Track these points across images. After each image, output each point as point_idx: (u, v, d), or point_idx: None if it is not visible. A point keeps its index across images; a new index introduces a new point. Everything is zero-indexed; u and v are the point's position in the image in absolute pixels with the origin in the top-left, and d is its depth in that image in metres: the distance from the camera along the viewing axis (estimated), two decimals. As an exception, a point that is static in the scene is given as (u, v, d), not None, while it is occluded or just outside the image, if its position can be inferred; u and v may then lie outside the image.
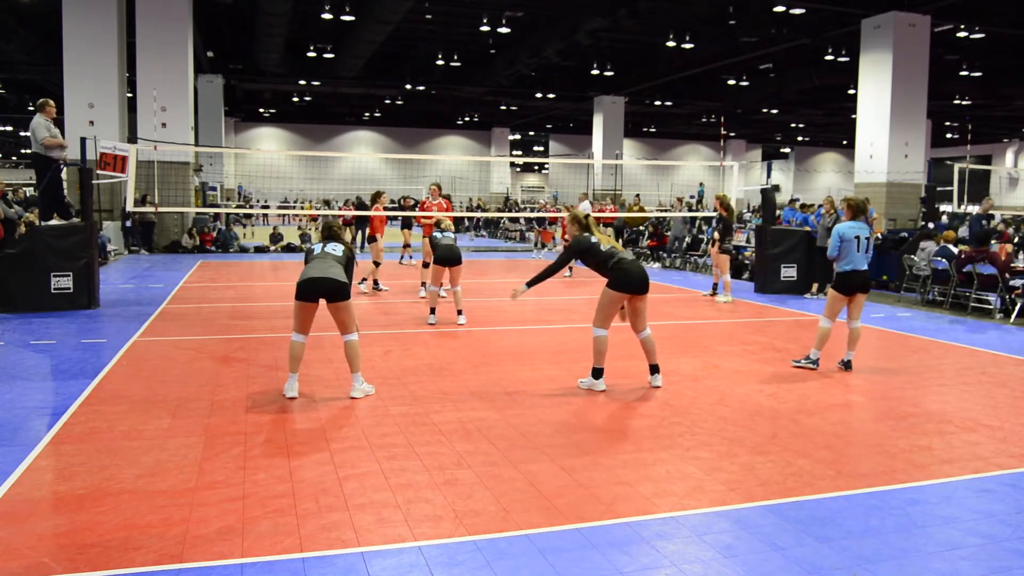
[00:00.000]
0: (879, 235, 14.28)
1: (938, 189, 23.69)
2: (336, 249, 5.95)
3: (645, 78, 30.03)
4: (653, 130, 48.92)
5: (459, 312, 9.23)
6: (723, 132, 37.13)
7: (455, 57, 27.57)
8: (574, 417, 5.43)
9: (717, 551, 3.39)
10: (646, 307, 6.17)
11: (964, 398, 6.15)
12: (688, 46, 23.65)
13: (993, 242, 12.14)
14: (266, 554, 3.28)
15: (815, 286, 12.48)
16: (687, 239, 17.86)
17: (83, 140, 11.03)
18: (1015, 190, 45.66)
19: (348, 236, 19.77)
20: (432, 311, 9.28)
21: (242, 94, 36.07)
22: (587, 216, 6.35)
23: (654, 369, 6.33)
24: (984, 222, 12.32)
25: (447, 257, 9.09)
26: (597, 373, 6.19)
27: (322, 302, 5.74)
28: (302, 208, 35.03)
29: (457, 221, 11.33)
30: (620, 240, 20.18)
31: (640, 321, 6.19)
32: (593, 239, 6.15)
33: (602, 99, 32.60)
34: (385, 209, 12.74)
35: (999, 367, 7.39)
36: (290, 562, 3.22)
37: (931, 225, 16.49)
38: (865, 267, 6.99)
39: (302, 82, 31.88)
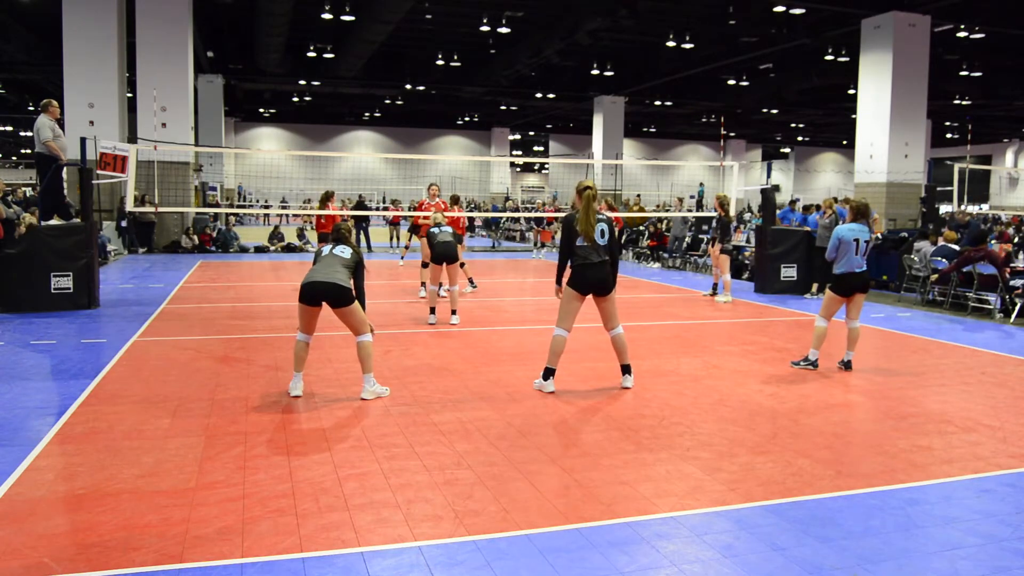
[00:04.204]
0: (879, 235, 14.28)
1: (938, 189, 23.68)
2: (344, 252, 5.86)
3: (645, 78, 30.03)
4: (653, 130, 48.92)
5: (452, 312, 9.25)
6: (723, 132, 37.11)
7: (455, 57, 27.58)
8: (574, 417, 5.43)
9: (717, 551, 3.39)
10: (613, 307, 6.07)
11: (964, 398, 6.15)
12: (688, 46, 23.66)
13: (993, 242, 12.16)
14: (266, 554, 3.28)
15: (815, 286, 12.48)
16: (687, 239, 17.87)
17: (83, 140, 11.03)
18: (1015, 190, 45.66)
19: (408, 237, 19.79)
20: (432, 311, 9.29)
21: (242, 94, 36.06)
22: (586, 189, 5.93)
23: (625, 369, 6.24)
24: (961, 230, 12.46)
25: (440, 254, 9.15)
26: (546, 373, 6.06)
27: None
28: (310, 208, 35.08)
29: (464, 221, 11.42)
30: (622, 237, 20.18)
31: (608, 320, 6.11)
32: (576, 225, 5.88)
33: (602, 99, 32.60)
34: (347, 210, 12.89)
35: (999, 367, 7.39)
36: (290, 562, 3.22)
37: (931, 226, 16.49)
38: (863, 269, 6.98)
39: (302, 82, 31.88)
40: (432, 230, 9.49)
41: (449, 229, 9.47)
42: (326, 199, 13.28)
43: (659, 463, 4.49)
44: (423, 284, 11.52)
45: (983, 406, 5.90)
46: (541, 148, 53.95)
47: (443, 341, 8.23)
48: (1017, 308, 10.28)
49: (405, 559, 3.26)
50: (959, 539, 3.56)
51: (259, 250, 20.53)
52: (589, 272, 5.93)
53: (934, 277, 11.46)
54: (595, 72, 29.13)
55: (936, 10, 19.14)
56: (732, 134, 46.85)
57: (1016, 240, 16.53)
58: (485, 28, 22.24)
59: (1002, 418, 5.58)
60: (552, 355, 6.03)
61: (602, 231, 5.94)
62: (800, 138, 51.30)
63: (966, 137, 39.74)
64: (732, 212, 12.38)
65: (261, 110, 43.26)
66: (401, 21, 21.59)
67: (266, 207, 37.62)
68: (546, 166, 49.72)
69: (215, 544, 3.35)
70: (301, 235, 21.60)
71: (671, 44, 23.40)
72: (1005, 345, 8.54)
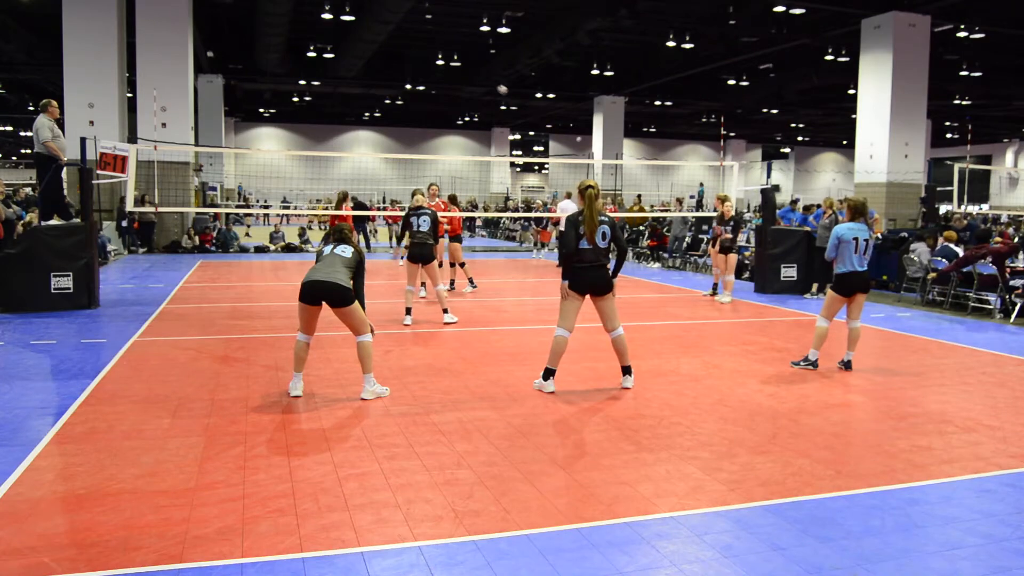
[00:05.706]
0: (879, 235, 14.28)
1: (938, 189, 23.68)
2: (345, 251, 5.86)
3: (645, 78, 30.03)
4: (653, 130, 48.92)
5: (444, 311, 9.18)
6: (723, 132, 37.10)
7: (455, 57, 27.57)
8: (574, 417, 5.43)
9: (717, 551, 3.39)
10: (612, 307, 6.05)
11: (964, 398, 6.15)
12: (688, 46, 23.66)
13: (995, 241, 12.16)
14: (266, 554, 3.28)
15: (815, 286, 12.48)
16: (687, 239, 17.86)
17: (83, 140, 11.02)
18: (1015, 190, 45.65)
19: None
20: (407, 311, 9.10)
21: (242, 94, 36.06)
22: (587, 188, 5.94)
23: (625, 370, 6.23)
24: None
25: (416, 255, 9.00)
26: (547, 373, 6.06)
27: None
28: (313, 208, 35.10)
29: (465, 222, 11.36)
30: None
31: (607, 320, 6.09)
32: (581, 227, 5.87)
33: (602, 99, 32.60)
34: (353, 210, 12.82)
35: (999, 367, 7.39)
36: (290, 562, 3.22)
37: (931, 224, 16.50)
38: (863, 268, 6.98)
39: (302, 82, 31.88)
40: (411, 218, 9.10)
41: (429, 217, 9.09)
42: (341, 200, 13.23)
43: (659, 463, 4.49)
44: (423, 284, 11.51)
45: (983, 406, 5.90)
46: (541, 148, 53.95)
47: (443, 341, 8.23)
48: (1017, 308, 10.27)
49: (405, 559, 3.26)
50: (959, 539, 3.56)
51: (259, 250, 20.53)
52: (587, 274, 5.94)
53: (932, 275, 11.45)
54: (595, 72, 29.11)
55: (936, 10, 19.15)
56: (732, 134, 46.85)
57: (1016, 240, 16.51)
58: (485, 28, 22.23)
59: (1002, 418, 5.58)
60: (553, 355, 6.03)
61: (603, 233, 5.93)
62: (800, 138, 51.30)
63: (966, 137, 39.73)
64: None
65: (261, 110, 43.25)
66: (401, 21, 21.59)
67: (266, 207, 37.60)
68: (546, 166, 49.70)
69: (215, 544, 3.35)
70: (302, 234, 21.61)
71: (671, 44, 23.39)
72: (1005, 345, 8.54)
